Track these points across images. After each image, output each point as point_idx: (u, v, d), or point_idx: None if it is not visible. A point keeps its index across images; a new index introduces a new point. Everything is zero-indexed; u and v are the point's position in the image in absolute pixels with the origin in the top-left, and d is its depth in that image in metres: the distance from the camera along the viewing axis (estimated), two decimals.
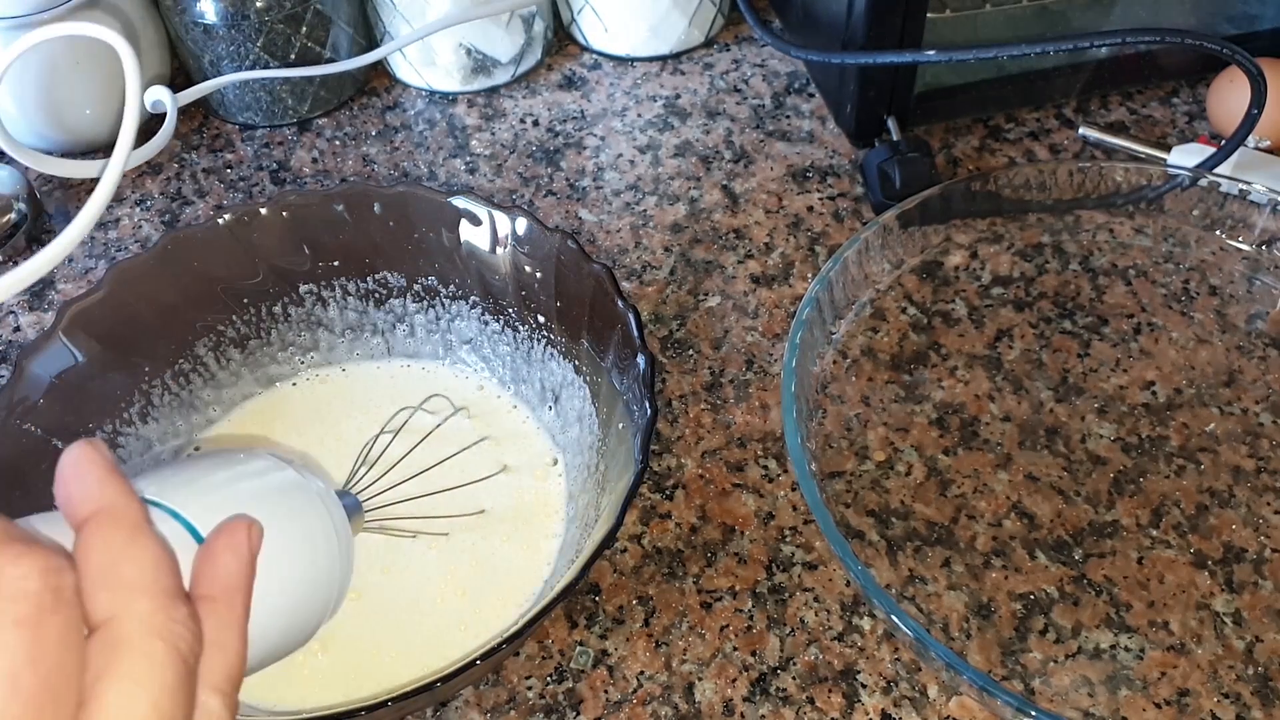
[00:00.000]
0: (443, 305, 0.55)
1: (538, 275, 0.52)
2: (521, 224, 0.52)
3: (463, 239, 0.53)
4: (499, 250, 0.53)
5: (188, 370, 0.53)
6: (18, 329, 0.61)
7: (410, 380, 0.56)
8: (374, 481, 0.50)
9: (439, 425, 0.54)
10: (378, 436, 0.53)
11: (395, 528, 0.49)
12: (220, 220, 0.52)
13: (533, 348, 0.54)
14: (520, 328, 0.54)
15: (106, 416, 0.50)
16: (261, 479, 0.35)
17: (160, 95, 0.65)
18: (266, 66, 0.68)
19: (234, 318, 0.54)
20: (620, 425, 0.47)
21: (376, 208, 0.53)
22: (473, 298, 0.54)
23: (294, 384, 0.56)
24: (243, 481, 0.34)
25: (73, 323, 0.49)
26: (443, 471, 0.52)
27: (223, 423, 0.55)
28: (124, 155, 0.54)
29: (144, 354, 0.52)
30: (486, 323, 0.55)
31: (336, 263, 0.55)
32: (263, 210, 0.53)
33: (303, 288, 0.55)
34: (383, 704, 0.39)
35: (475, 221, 0.53)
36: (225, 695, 0.28)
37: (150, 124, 0.72)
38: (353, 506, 0.42)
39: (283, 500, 0.35)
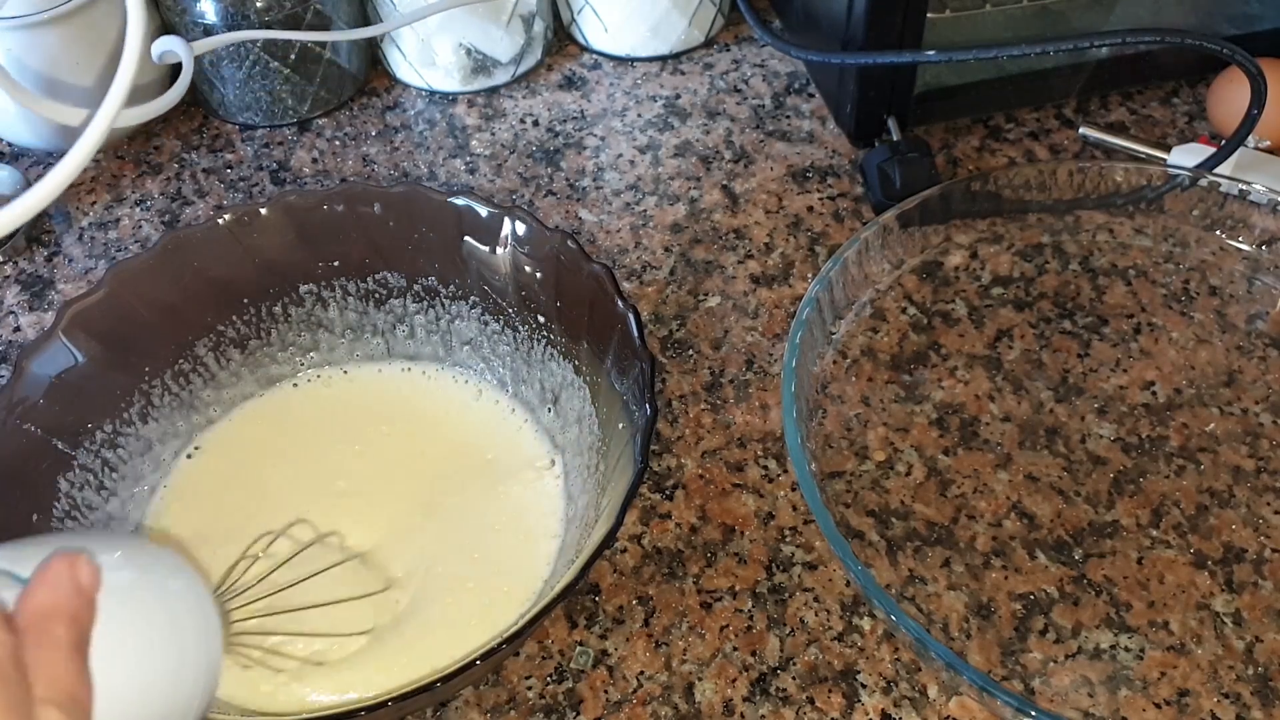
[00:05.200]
0: (443, 306, 0.55)
1: (538, 275, 0.52)
2: (522, 224, 0.52)
3: (463, 239, 0.53)
4: (499, 250, 0.53)
5: (188, 370, 0.53)
6: (18, 329, 0.61)
7: (411, 381, 0.56)
8: (240, 594, 0.46)
9: (300, 551, 0.49)
10: (240, 560, 0.48)
11: (254, 648, 0.46)
12: (220, 220, 0.52)
13: (532, 348, 0.54)
14: (520, 328, 0.54)
15: (106, 416, 0.50)
16: (142, 571, 0.35)
17: (172, 45, 0.61)
18: (267, 66, 0.68)
19: (234, 318, 0.54)
20: (620, 426, 0.47)
21: (377, 208, 0.53)
22: (473, 298, 0.54)
23: (294, 384, 0.56)
24: (120, 568, 0.34)
25: (73, 323, 0.49)
26: (314, 590, 0.48)
27: (223, 423, 0.55)
28: (121, 95, 0.49)
29: (144, 354, 0.52)
30: (486, 323, 0.55)
31: (337, 263, 0.55)
32: (262, 210, 0.53)
33: (303, 288, 0.55)
34: (382, 704, 0.39)
35: (476, 221, 0.53)
36: (65, 710, 0.29)
37: (149, 124, 0.72)
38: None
39: (158, 591, 0.35)
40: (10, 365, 0.59)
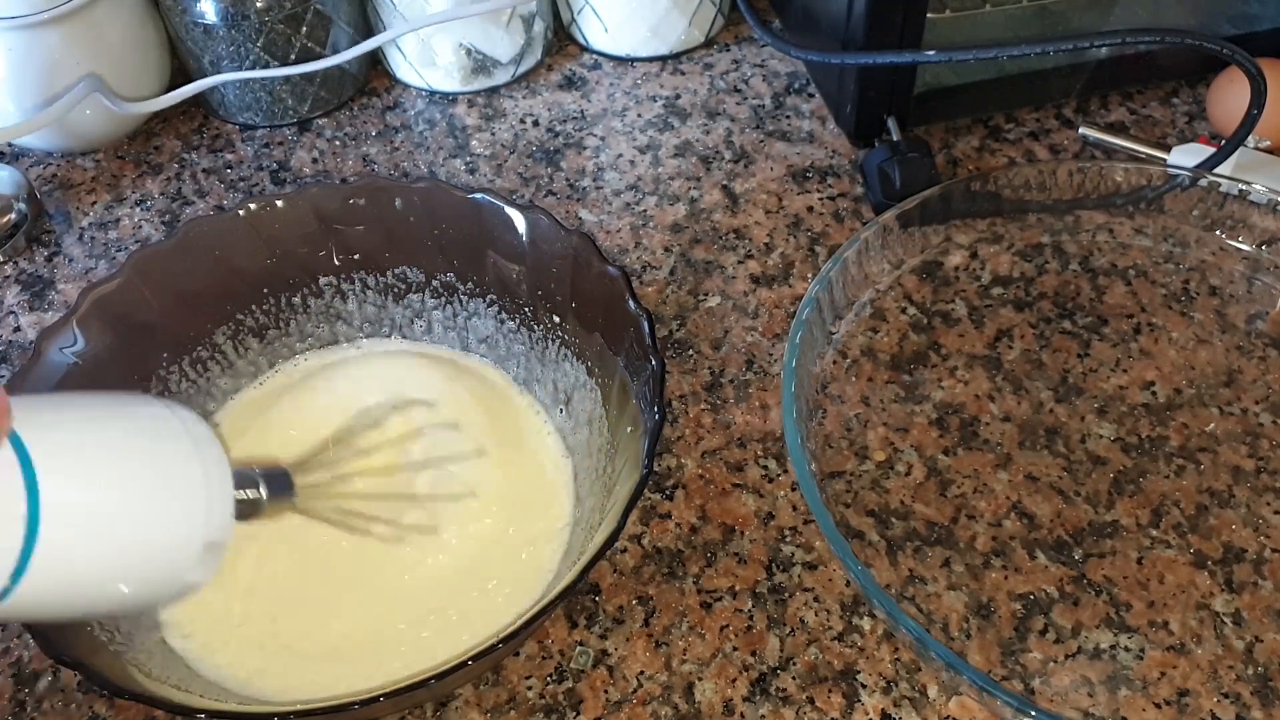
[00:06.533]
0: (460, 302, 0.55)
1: (555, 275, 0.52)
2: (541, 223, 0.52)
3: (483, 236, 0.53)
4: (518, 248, 0.53)
5: (206, 358, 0.54)
6: (18, 329, 0.61)
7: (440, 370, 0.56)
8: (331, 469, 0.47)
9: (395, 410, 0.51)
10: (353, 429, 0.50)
11: (347, 513, 0.47)
12: (241, 211, 0.53)
13: (547, 348, 0.54)
14: (535, 327, 0.54)
15: None
16: (130, 420, 0.37)
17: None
18: (266, 67, 0.68)
19: (253, 307, 0.54)
20: (629, 429, 0.47)
21: (398, 202, 0.54)
22: (490, 295, 0.55)
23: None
24: (109, 418, 0.37)
25: (92, 308, 0.49)
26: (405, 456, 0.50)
27: (234, 404, 0.55)
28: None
29: (163, 340, 0.52)
30: (503, 321, 0.55)
31: (357, 256, 0.55)
32: (281, 203, 0.53)
33: (322, 280, 0.55)
34: (375, 699, 0.39)
35: (496, 218, 0.53)
36: None
37: (149, 124, 0.72)
38: (280, 482, 0.42)
39: (145, 439, 0.37)
40: (11, 365, 0.60)
